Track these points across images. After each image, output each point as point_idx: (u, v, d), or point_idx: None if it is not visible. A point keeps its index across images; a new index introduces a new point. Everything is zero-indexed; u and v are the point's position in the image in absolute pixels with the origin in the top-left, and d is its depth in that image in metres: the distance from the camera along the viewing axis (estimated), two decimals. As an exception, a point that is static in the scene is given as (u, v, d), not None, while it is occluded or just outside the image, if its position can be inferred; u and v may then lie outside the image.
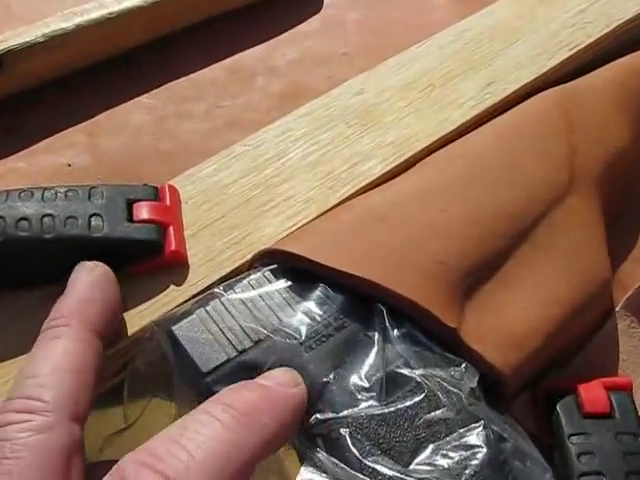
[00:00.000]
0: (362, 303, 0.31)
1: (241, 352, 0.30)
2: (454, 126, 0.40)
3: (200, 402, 0.27)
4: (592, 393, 0.33)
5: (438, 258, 0.32)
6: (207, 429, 0.24)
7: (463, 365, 0.30)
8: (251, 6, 0.50)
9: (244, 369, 0.29)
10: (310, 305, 0.31)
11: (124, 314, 0.33)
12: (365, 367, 0.29)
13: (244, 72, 0.47)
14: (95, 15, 0.44)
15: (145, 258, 0.34)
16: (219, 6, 0.48)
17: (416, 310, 0.31)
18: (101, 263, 0.32)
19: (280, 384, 0.27)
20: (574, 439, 0.32)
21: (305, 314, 0.31)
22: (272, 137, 0.40)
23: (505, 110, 0.41)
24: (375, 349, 0.30)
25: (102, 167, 0.42)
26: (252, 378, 0.28)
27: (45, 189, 0.34)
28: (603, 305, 0.36)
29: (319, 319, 0.30)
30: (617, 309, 0.36)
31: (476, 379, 0.30)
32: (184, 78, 0.46)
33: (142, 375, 0.32)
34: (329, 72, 0.47)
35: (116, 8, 0.45)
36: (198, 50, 0.47)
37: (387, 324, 0.30)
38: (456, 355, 0.31)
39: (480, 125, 0.40)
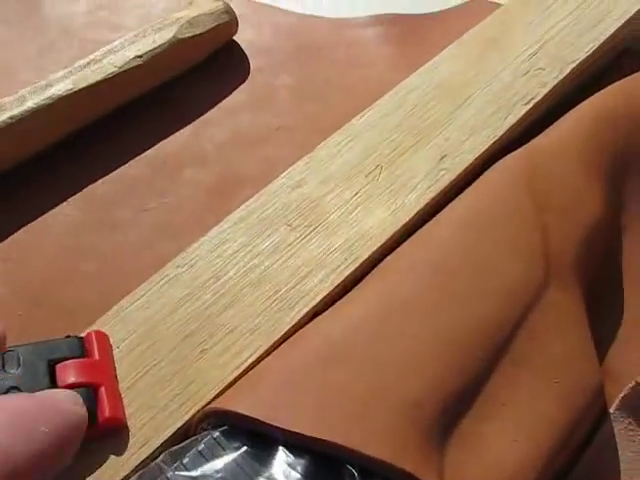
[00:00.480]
0: (330, 465, 0.27)
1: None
2: (410, 215, 0.35)
3: None
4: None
5: (412, 400, 0.28)
6: None
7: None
8: (168, 84, 0.45)
9: None
10: (273, 473, 0.27)
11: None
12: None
13: (170, 164, 0.42)
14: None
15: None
16: (132, 90, 0.43)
17: (391, 471, 0.27)
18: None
19: (59, 399, 0.26)
20: None
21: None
22: (206, 252, 0.35)
23: (462, 186, 0.36)
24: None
25: (20, 299, 0.37)
26: None
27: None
28: (597, 411, 0.32)
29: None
30: (612, 411, 0.32)
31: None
32: (103, 180, 0.41)
33: None
34: (265, 152, 0.42)
35: (16, 111, 0.39)
36: (114, 145, 0.42)
37: (360, 485, 0.26)
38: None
39: (438, 207, 0.36)
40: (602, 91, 0.41)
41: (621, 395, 0.32)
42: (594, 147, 0.37)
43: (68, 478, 0.29)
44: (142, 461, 0.29)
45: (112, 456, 0.29)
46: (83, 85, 0.40)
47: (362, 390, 0.28)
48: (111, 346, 0.32)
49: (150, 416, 0.30)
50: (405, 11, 0.49)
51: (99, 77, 0.41)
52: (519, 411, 0.29)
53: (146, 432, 0.30)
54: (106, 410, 0.30)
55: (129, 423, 0.30)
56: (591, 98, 0.40)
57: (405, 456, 0.27)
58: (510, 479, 0.28)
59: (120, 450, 0.29)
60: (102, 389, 0.30)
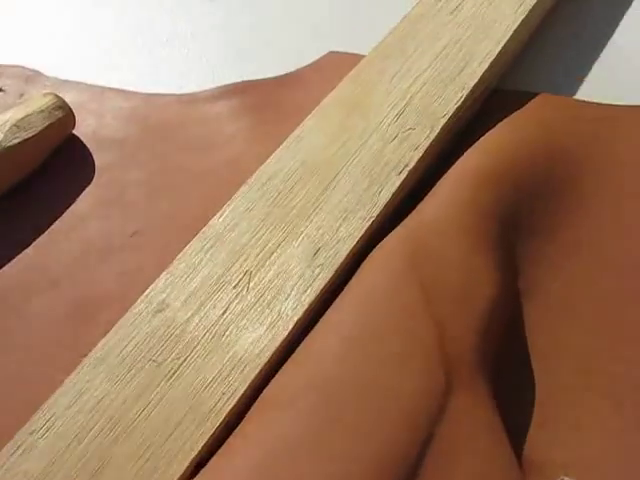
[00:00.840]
0: None
1: None
2: (288, 328, 0.31)
3: None
4: None
5: None
6: None
7: None
8: (5, 196, 0.39)
9: None
10: None
11: None
12: None
13: (16, 295, 0.36)
14: None
15: None
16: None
17: None
18: None
19: None
20: None
21: None
22: (63, 410, 0.30)
23: (342, 282, 0.33)
24: None
25: None
26: None
27: None
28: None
29: None
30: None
31: None
32: None
33: None
34: (121, 265, 0.37)
35: None
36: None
37: None
38: None
39: (318, 311, 0.32)
40: (475, 148, 0.38)
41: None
42: (476, 213, 0.34)
43: None
44: None
45: None
46: None
47: None
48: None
49: None
50: (254, 76, 0.45)
51: None
52: None
53: None
54: None
55: None
56: (464, 158, 0.37)
57: None
58: None
59: None
60: None
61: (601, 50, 0.46)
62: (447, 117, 0.38)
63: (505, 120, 0.40)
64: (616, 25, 0.48)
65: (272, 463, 0.27)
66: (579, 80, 0.44)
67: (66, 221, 0.39)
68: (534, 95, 0.42)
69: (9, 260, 0.37)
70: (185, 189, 0.39)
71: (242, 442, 0.28)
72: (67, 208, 0.39)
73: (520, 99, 0.42)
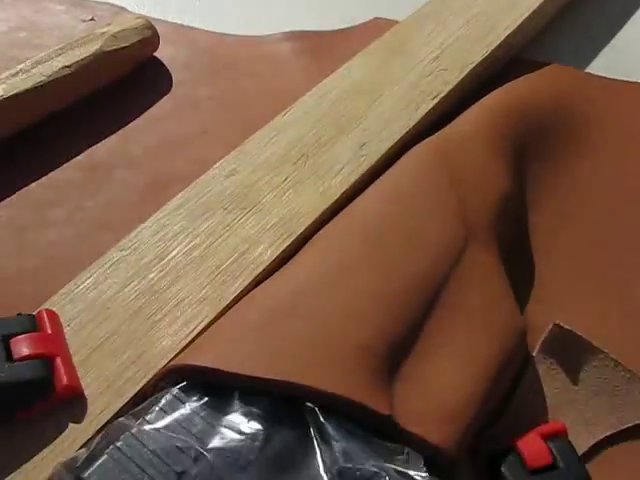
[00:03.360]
0: (289, 405, 0.29)
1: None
2: (336, 195, 0.38)
3: None
4: (532, 447, 0.32)
5: (358, 343, 0.31)
6: None
7: (405, 452, 0.29)
8: (96, 94, 0.47)
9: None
10: (233, 419, 0.28)
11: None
12: (311, 470, 0.27)
13: (101, 168, 0.43)
14: None
15: (34, 399, 0.30)
16: (61, 99, 0.45)
17: (347, 404, 0.29)
18: None
19: None
20: (526, 500, 0.30)
21: (230, 429, 0.28)
22: (148, 237, 0.37)
23: (382, 169, 0.40)
24: (316, 449, 0.28)
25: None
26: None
27: None
28: (524, 352, 0.35)
29: (247, 431, 0.28)
30: (534, 354, 0.36)
31: (421, 464, 0.28)
32: (37, 183, 0.42)
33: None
34: (192, 155, 0.44)
35: None
36: (47, 150, 0.43)
37: (322, 419, 0.28)
38: (394, 441, 0.29)
39: (361, 189, 0.39)
40: (494, 92, 0.45)
41: (542, 339, 0.36)
42: (496, 134, 0.42)
43: (26, 451, 0.29)
44: (102, 427, 0.30)
45: (71, 424, 0.30)
46: (13, 92, 0.42)
47: (313, 337, 0.30)
48: (61, 323, 0.33)
49: (106, 385, 0.31)
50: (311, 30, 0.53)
51: (29, 85, 0.42)
52: (456, 352, 0.32)
53: (104, 399, 0.31)
54: (63, 379, 0.31)
55: (85, 393, 0.31)
56: (488, 96, 0.45)
57: (360, 390, 0.29)
58: (452, 409, 0.30)
59: (79, 418, 0.30)
60: (58, 360, 0.31)
61: (613, 33, 0.54)
62: (473, 64, 0.46)
63: (522, 77, 0.48)
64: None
65: (327, 277, 0.33)
66: (592, 57, 0.53)
67: (147, 119, 0.46)
68: (549, 64, 0.50)
69: (96, 143, 0.44)
70: (249, 104, 0.47)
71: (300, 263, 0.35)
72: (147, 110, 0.47)
73: (536, 67, 0.50)
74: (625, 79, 0.51)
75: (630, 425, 0.35)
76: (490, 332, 0.33)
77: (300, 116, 0.42)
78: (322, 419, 0.28)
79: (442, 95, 0.44)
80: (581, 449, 0.34)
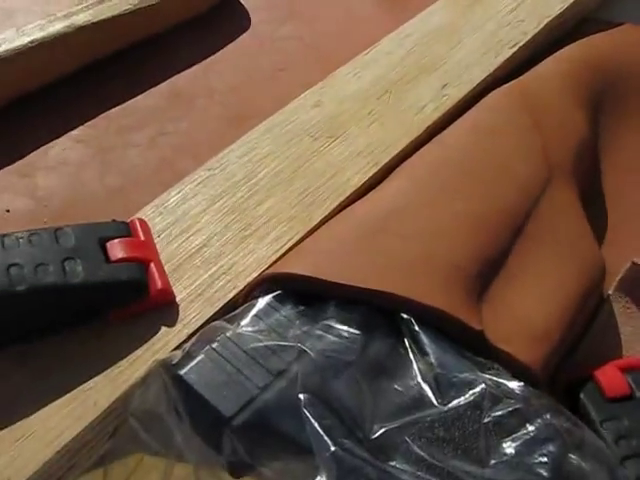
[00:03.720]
0: (384, 315, 0.29)
1: (264, 388, 0.27)
2: (421, 130, 0.39)
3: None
4: (610, 378, 0.32)
5: (454, 262, 0.31)
6: None
7: (496, 367, 0.29)
8: (177, 27, 0.47)
9: (271, 407, 0.27)
10: (331, 323, 0.29)
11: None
12: (408, 375, 0.28)
13: (183, 96, 0.44)
14: (15, 44, 0.40)
15: (129, 300, 0.31)
16: (144, 31, 0.45)
17: (442, 317, 0.29)
18: None
19: None
20: (606, 425, 0.31)
21: (328, 333, 0.28)
22: (236, 158, 0.37)
23: (463, 110, 0.40)
24: (411, 357, 0.28)
25: (45, 210, 0.38)
26: (280, 417, 0.26)
27: (4, 236, 0.31)
28: (601, 291, 0.36)
29: (346, 334, 0.28)
30: (610, 292, 0.36)
31: (511, 379, 0.29)
32: (120, 107, 0.43)
33: (133, 430, 0.29)
34: (271, 90, 0.45)
35: (38, 35, 0.41)
36: (130, 77, 0.44)
37: (417, 330, 0.29)
38: (485, 358, 0.30)
39: (442, 127, 0.39)
40: (574, 44, 0.46)
41: (619, 277, 0.36)
42: (574, 83, 0.42)
43: (120, 350, 0.30)
44: (193, 331, 0.31)
45: (164, 327, 0.31)
46: (101, 18, 0.42)
47: (409, 254, 0.31)
48: (152, 233, 0.34)
49: (198, 292, 0.32)
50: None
51: (115, 12, 0.43)
52: (542, 278, 0.33)
53: (196, 306, 0.32)
54: (158, 282, 0.31)
55: (177, 299, 0.32)
56: (565, 49, 0.45)
57: (454, 306, 0.30)
58: (539, 330, 0.31)
59: (172, 322, 0.31)
60: (152, 265, 0.32)
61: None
62: (550, 17, 0.46)
63: (598, 34, 0.48)
64: None
65: (426, 196, 0.34)
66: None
67: (227, 53, 0.47)
68: (621, 24, 0.51)
69: (177, 74, 0.45)
70: (329, 46, 0.47)
71: (395, 184, 0.35)
72: (227, 45, 0.47)
73: (609, 27, 0.50)
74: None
75: None
76: (575, 263, 0.34)
77: (383, 55, 0.43)
78: (417, 329, 0.29)
79: (521, 44, 0.44)
80: (656, 385, 0.35)
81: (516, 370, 0.30)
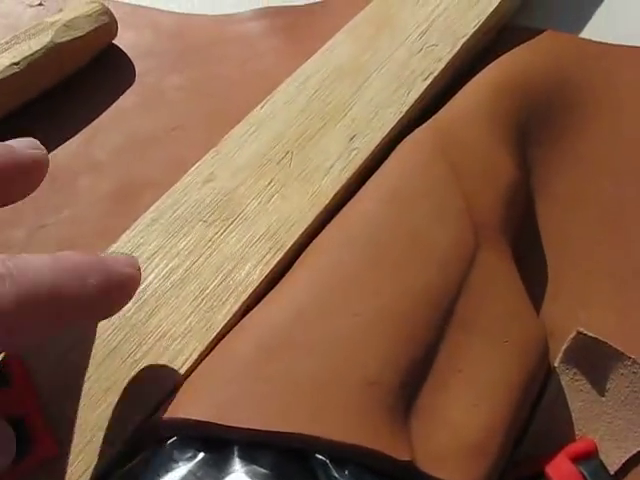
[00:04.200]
0: (296, 457, 0.26)
1: None
2: (328, 198, 0.34)
3: None
4: (562, 472, 0.29)
5: (367, 378, 0.27)
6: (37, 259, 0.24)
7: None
8: (51, 91, 0.42)
9: None
10: (235, 477, 0.25)
11: None
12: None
13: (63, 175, 0.39)
14: None
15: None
16: (12, 100, 0.40)
17: (363, 453, 0.25)
18: None
19: (115, 260, 0.26)
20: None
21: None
22: (121, 261, 0.32)
23: (376, 163, 0.36)
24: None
25: None
26: None
27: None
28: (545, 366, 0.32)
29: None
30: (557, 364, 0.33)
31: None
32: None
33: None
34: (163, 154, 0.39)
35: None
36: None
37: (336, 475, 0.25)
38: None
39: (355, 188, 0.35)
40: (491, 66, 0.41)
41: (564, 347, 0.33)
42: (496, 116, 0.38)
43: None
44: (82, 489, 0.26)
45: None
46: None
47: (315, 374, 0.27)
48: (26, 370, 0.29)
49: (86, 441, 0.28)
50: (286, 4, 0.48)
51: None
52: (475, 375, 0.29)
53: (85, 458, 0.27)
54: (38, 440, 0.27)
55: (64, 451, 0.27)
56: (485, 71, 0.41)
57: (375, 437, 0.26)
58: (477, 444, 0.27)
59: (59, 477, 0.27)
60: (29, 419, 0.27)
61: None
62: (466, 37, 0.41)
63: (517, 47, 0.44)
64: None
65: (324, 298, 0.29)
66: (585, 21, 0.48)
67: (110, 115, 0.41)
68: (543, 31, 0.46)
69: (56, 147, 0.40)
70: (222, 93, 0.42)
71: (294, 283, 0.31)
72: (110, 106, 0.42)
73: (530, 34, 0.45)
74: (623, 44, 0.47)
75: (665, 436, 0.32)
76: (510, 349, 0.30)
77: (280, 107, 0.38)
78: (335, 474, 0.25)
79: (435, 74, 0.39)
80: (613, 467, 0.31)
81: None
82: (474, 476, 0.27)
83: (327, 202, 0.34)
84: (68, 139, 0.40)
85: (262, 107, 0.38)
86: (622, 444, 0.32)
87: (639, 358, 0.33)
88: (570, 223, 0.38)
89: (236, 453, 0.26)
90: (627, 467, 0.31)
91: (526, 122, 0.40)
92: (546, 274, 0.37)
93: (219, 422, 0.25)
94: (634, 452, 0.32)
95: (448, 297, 0.30)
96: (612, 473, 0.31)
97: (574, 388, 0.32)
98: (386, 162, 0.35)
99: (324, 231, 0.33)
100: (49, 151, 0.38)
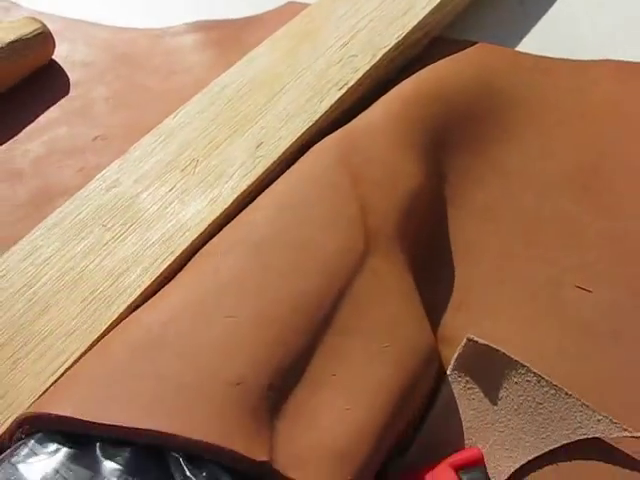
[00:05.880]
0: (154, 455, 0.25)
1: None
2: (226, 204, 0.35)
3: None
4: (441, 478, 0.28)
5: (232, 379, 0.27)
6: None
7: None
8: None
9: None
10: (94, 473, 0.25)
11: None
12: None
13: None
14: None
15: None
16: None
17: (216, 452, 0.25)
18: None
19: None
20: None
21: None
22: (17, 262, 0.33)
23: (280, 172, 0.36)
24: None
25: None
26: None
27: None
28: (434, 372, 0.31)
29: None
30: (449, 372, 0.32)
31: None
32: None
33: None
34: (82, 163, 0.40)
35: None
36: None
37: (188, 474, 0.25)
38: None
39: (255, 194, 0.35)
40: (411, 77, 0.42)
41: (455, 355, 0.32)
42: (406, 126, 0.38)
43: None
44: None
45: None
46: None
47: (181, 374, 0.27)
48: None
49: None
50: (220, 17, 0.49)
51: None
52: (350, 379, 0.29)
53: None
54: None
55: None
56: (405, 82, 0.41)
57: (232, 437, 0.26)
58: (342, 450, 0.27)
59: None
60: None
61: (545, 9, 0.50)
62: (387, 48, 0.42)
63: (445, 59, 0.44)
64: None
65: (201, 301, 0.29)
66: (521, 35, 0.49)
67: (36, 128, 0.42)
68: (475, 43, 0.46)
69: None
70: (146, 104, 0.43)
71: (177, 286, 0.31)
72: (39, 116, 0.43)
73: (462, 46, 0.46)
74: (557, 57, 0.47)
75: (557, 446, 0.31)
76: (393, 353, 0.30)
77: (192, 116, 0.39)
78: (188, 472, 0.25)
79: (350, 85, 0.40)
80: (501, 477, 0.31)
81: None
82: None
83: (225, 207, 0.34)
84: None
85: (174, 117, 0.39)
86: (512, 454, 0.31)
87: (534, 367, 0.32)
88: (485, 234, 0.38)
89: (96, 450, 0.26)
90: (516, 477, 0.31)
91: (443, 131, 0.40)
92: (453, 284, 0.36)
93: (79, 417, 0.25)
94: (523, 462, 0.31)
95: (329, 302, 0.30)
96: (501, 483, 0.31)
97: (466, 396, 0.32)
98: (289, 170, 0.36)
99: (216, 237, 0.33)
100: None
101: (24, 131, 0.42)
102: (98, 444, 0.26)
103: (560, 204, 0.40)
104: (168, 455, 0.25)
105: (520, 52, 0.47)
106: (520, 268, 0.37)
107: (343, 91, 0.39)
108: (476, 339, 0.32)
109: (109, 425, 0.25)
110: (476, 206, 0.39)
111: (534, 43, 0.48)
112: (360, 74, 0.40)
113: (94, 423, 0.25)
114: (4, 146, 0.41)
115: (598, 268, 0.38)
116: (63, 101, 0.43)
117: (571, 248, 0.38)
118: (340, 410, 0.28)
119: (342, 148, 0.36)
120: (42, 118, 0.43)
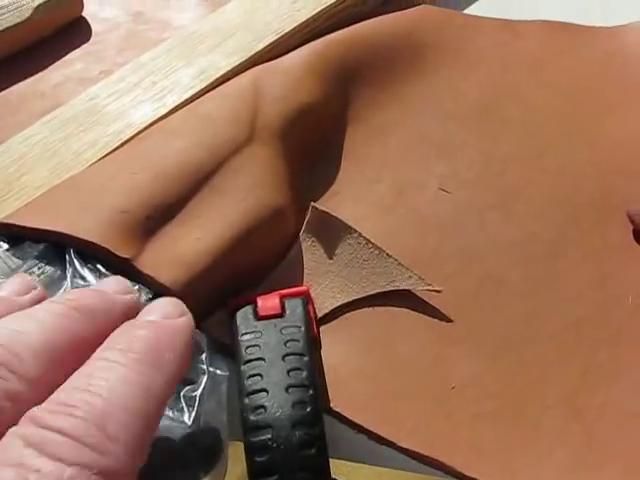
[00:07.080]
0: (58, 250, 0.38)
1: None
2: (166, 110, 0.47)
3: None
4: (268, 301, 0.38)
5: (120, 208, 0.39)
6: (114, 374, 0.23)
7: (136, 287, 0.37)
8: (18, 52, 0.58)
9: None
10: (20, 259, 0.38)
11: None
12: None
13: (13, 100, 0.54)
14: None
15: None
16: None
17: (96, 249, 0.37)
18: None
19: (168, 317, 0.28)
20: (245, 337, 0.37)
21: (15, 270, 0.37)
22: (16, 144, 0.47)
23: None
24: (67, 282, 0.37)
25: None
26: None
27: None
28: (278, 230, 0.42)
29: (26, 268, 0.37)
30: (301, 234, 0.43)
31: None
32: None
33: None
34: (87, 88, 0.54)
35: None
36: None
37: (75, 261, 0.37)
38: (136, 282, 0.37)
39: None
40: (347, 28, 0.52)
41: (306, 220, 0.43)
42: (321, 60, 0.49)
43: None
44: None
45: None
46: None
47: (88, 199, 0.39)
48: None
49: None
50: None
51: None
52: (208, 221, 0.40)
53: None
54: None
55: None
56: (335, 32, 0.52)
57: (108, 239, 0.37)
58: (188, 259, 0.38)
59: None
60: None
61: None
62: (327, 4, 0.52)
63: (382, 16, 0.54)
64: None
65: (122, 161, 0.42)
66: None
67: (60, 64, 0.56)
68: (416, 5, 0.56)
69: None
70: (143, 49, 0.56)
71: (115, 154, 0.43)
72: (64, 57, 0.57)
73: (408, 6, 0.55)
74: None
75: (373, 293, 0.41)
76: (245, 206, 0.41)
77: (163, 53, 0.51)
78: (75, 260, 0.37)
79: (286, 31, 0.51)
80: (322, 311, 0.41)
81: (159, 290, 0.37)
82: (178, 278, 0.38)
83: (165, 113, 0.47)
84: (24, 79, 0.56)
85: (150, 52, 0.51)
86: (337, 295, 0.41)
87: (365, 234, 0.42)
88: (372, 146, 0.48)
89: (25, 245, 0.38)
90: (336, 313, 0.41)
91: (359, 69, 0.50)
92: (334, 178, 0.47)
93: (12, 222, 0.38)
94: (344, 302, 0.41)
95: (207, 168, 0.41)
96: (320, 315, 0.41)
97: (310, 252, 0.42)
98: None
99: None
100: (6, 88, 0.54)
101: (50, 67, 0.56)
102: (27, 242, 0.39)
103: (450, 128, 0.49)
104: (67, 251, 0.38)
105: (456, 12, 0.56)
106: (397, 173, 0.47)
107: (279, 36, 0.51)
108: (317, 206, 0.42)
109: (22, 226, 0.38)
110: (371, 124, 0.49)
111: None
112: (297, 23, 0.51)
113: (20, 226, 0.38)
114: (36, 76, 0.56)
115: (465, 177, 0.47)
116: (85, 46, 0.58)
117: (447, 161, 0.47)
118: (193, 239, 0.39)
119: (258, 72, 0.47)
120: (66, 58, 0.57)
